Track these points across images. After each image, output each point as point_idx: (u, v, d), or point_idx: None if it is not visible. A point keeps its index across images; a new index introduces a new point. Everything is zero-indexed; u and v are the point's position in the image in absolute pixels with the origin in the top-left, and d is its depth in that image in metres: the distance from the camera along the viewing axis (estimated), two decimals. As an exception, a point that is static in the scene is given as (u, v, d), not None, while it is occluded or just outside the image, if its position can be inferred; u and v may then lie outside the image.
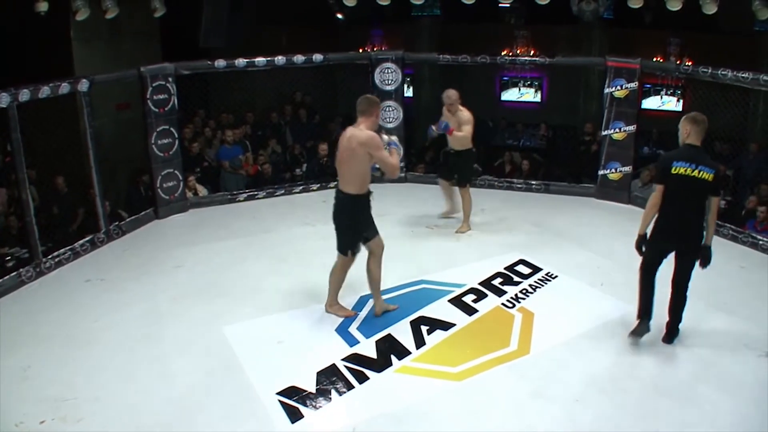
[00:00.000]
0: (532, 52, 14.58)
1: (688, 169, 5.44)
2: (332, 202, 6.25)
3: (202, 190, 9.86)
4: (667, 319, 5.89)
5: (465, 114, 8.19)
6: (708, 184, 5.45)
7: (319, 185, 10.30)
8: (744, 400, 5.21)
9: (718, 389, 5.33)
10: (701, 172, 5.43)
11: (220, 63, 9.31)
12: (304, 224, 8.84)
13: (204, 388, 5.36)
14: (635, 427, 4.93)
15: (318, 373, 5.51)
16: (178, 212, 9.30)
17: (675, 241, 5.67)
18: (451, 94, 8.26)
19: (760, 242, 8.10)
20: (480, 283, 7.04)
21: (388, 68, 10.23)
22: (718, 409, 5.11)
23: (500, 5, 12.30)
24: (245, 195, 9.93)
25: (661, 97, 14.38)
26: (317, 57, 9.87)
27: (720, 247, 7.86)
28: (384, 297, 6.63)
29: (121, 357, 5.81)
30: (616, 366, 5.65)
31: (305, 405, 5.14)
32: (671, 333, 5.90)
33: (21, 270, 7.29)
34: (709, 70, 8.63)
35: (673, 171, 5.49)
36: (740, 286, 7.14)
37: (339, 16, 13.25)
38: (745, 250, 8.09)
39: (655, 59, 12.12)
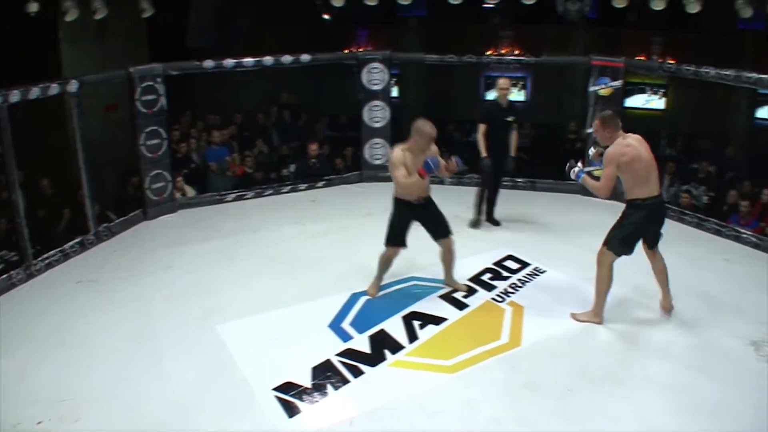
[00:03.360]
0: (516, 52, 14.66)
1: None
2: (654, 211, 5.98)
3: (191, 191, 9.86)
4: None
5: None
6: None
7: (306, 185, 10.36)
8: (730, 387, 5.34)
9: (705, 376, 5.46)
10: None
11: (209, 63, 9.33)
12: (293, 223, 8.90)
13: (199, 386, 5.40)
14: (628, 413, 5.04)
15: (313, 368, 5.56)
16: (167, 213, 9.31)
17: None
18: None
19: (743, 235, 8.26)
20: (469, 279, 7.12)
21: (375, 68, 10.28)
22: (706, 395, 5.24)
23: (484, 5, 12.36)
24: (234, 195, 9.94)
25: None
26: (305, 57, 9.90)
27: (704, 241, 8.15)
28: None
29: (115, 357, 5.83)
30: (605, 356, 5.77)
31: (302, 400, 5.19)
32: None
33: (12, 272, 7.28)
34: (693, 68, 8.73)
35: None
36: (725, 278, 7.30)
37: (325, 16, 13.27)
38: (729, 244, 8.27)
39: (638, 58, 12.23)
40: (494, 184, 8.75)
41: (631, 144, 5.84)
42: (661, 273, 6.29)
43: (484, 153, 8.41)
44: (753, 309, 6.56)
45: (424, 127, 6.22)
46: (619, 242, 6.00)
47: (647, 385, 5.37)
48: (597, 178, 6.06)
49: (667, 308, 6.37)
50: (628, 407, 5.10)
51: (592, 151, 6.26)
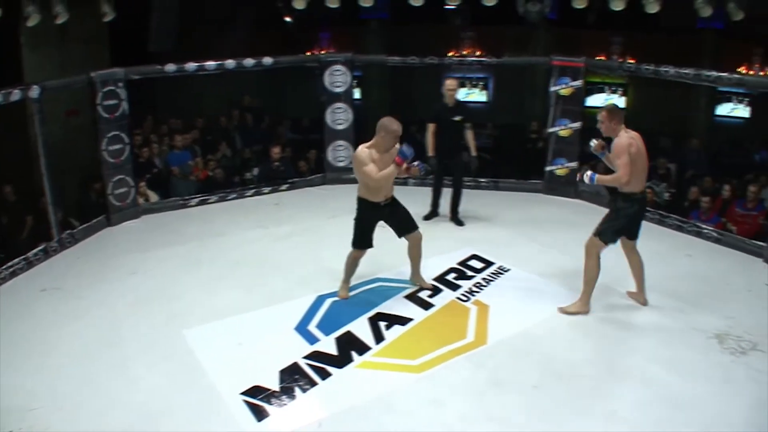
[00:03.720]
0: (477, 53, 14.77)
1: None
2: (643, 206, 6.42)
3: (154, 196, 9.80)
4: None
5: None
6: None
7: (270, 188, 10.33)
8: (695, 379, 5.47)
9: (670, 370, 5.57)
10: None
11: (170, 67, 9.25)
12: (257, 227, 8.87)
13: (167, 392, 5.38)
14: (592, 408, 5.13)
15: (281, 371, 5.56)
16: (130, 219, 9.20)
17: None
18: None
19: (704, 231, 8.42)
20: (434, 279, 7.15)
21: (337, 70, 10.29)
22: (673, 388, 5.36)
23: (445, 7, 12.45)
24: (197, 200, 9.88)
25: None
26: (267, 60, 9.87)
27: (667, 237, 8.29)
28: (340, 297, 6.86)
29: (82, 364, 5.78)
30: (570, 352, 5.85)
31: (270, 404, 5.20)
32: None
33: (-24, 281, 7.20)
34: (652, 68, 8.87)
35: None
36: (688, 273, 7.46)
37: (287, 19, 13.27)
38: (691, 239, 8.43)
39: (598, 58, 12.41)
40: (455, 184, 8.85)
41: (634, 138, 6.11)
42: (638, 268, 6.57)
43: (430, 152, 8.55)
44: (716, 303, 6.72)
45: (391, 124, 6.21)
46: (613, 233, 6.27)
47: (613, 380, 5.48)
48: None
49: (642, 302, 6.63)
50: (596, 402, 5.19)
51: (594, 142, 6.42)
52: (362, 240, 6.60)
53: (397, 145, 6.30)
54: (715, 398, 5.24)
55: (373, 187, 6.32)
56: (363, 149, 6.28)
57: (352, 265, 6.76)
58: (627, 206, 6.22)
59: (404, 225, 6.67)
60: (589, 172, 6.32)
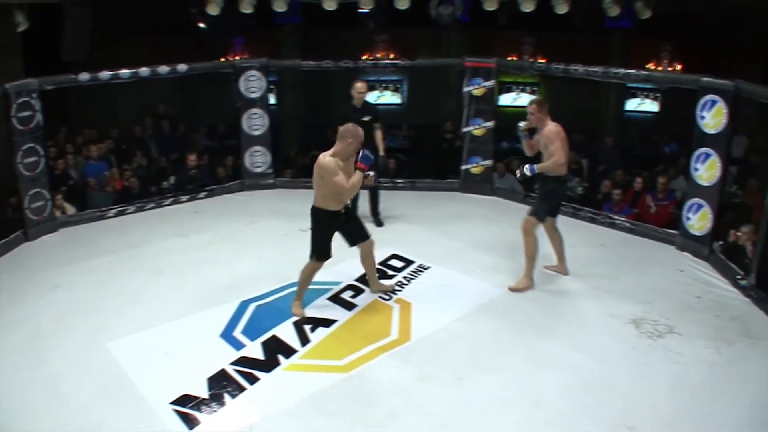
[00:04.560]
0: (391, 56, 14.93)
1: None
2: (563, 189, 7.20)
3: (71, 209, 9.64)
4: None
5: None
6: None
7: (188, 197, 10.29)
8: (616, 364, 5.75)
9: (592, 356, 5.84)
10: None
11: (84, 76, 9.12)
12: (176, 236, 8.83)
13: (98, 406, 5.34)
14: (518, 397, 5.33)
15: (209, 379, 5.59)
16: (47, 233, 9.02)
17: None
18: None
19: (617, 222, 8.80)
20: (356, 279, 7.24)
21: (252, 76, 10.31)
22: (595, 373, 5.61)
23: (359, 11, 12.55)
24: (115, 211, 9.76)
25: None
26: (182, 67, 9.83)
27: (580, 229, 8.58)
28: (263, 301, 6.91)
29: (11, 383, 5.66)
30: (493, 344, 6.06)
31: (200, 411, 5.23)
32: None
33: None
34: (562, 66, 9.20)
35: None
36: (602, 262, 7.78)
37: (201, 25, 13.19)
38: (604, 230, 8.80)
39: (510, 58, 12.71)
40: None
41: (559, 127, 6.78)
42: (559, 242, 7.30)
43: None
44: (631, 289, 7.05)
45: (357, 130, 6.22)
46: (545, 212, 6.98)
47: (537, 369, 5.68)
48: None
49: (564, 272, 7.35)
50: (521, 391, 5.40)
51: (522, 124, 6.99)
52: (323, 251, 6.49)
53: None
54: (636, 380, 5.51)
55: (336, 196, 6.27)
56: (329, 158, 6.16)
57: (308, 278, 6.65)
58: (558, 187, 6.95)
59: (358, 234, 6.66)
60: (527, 165, 6.80)
